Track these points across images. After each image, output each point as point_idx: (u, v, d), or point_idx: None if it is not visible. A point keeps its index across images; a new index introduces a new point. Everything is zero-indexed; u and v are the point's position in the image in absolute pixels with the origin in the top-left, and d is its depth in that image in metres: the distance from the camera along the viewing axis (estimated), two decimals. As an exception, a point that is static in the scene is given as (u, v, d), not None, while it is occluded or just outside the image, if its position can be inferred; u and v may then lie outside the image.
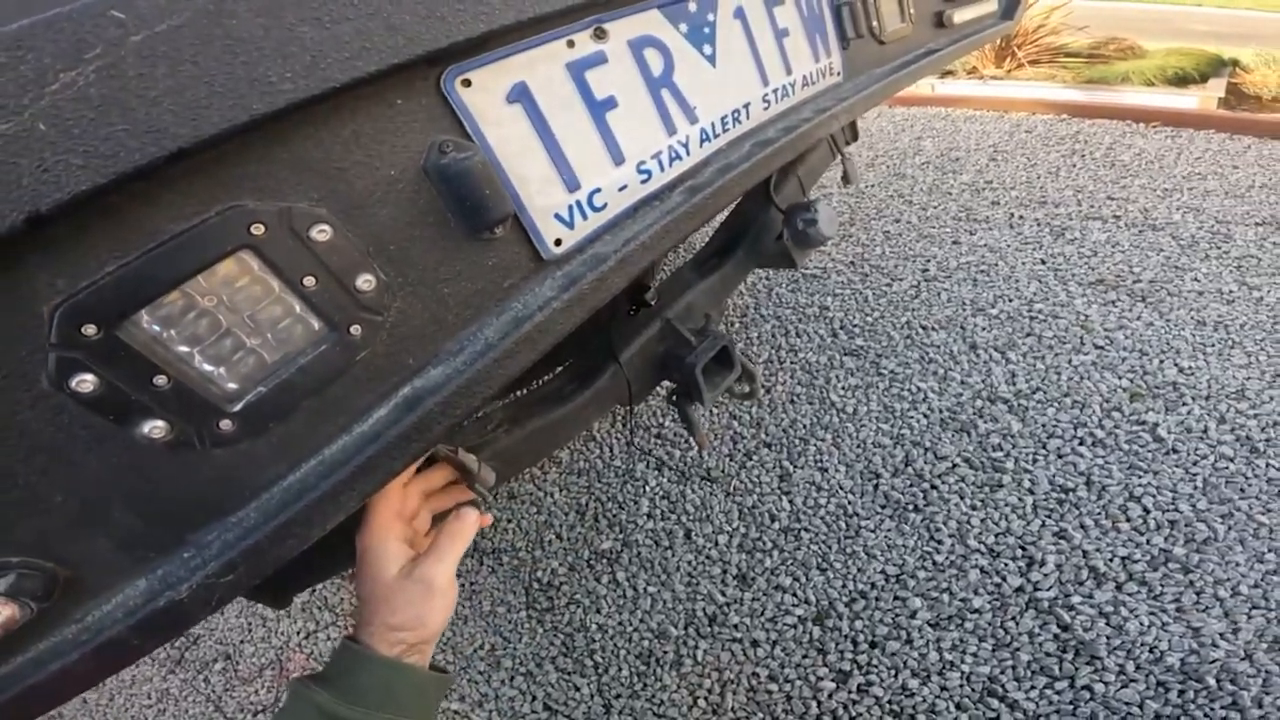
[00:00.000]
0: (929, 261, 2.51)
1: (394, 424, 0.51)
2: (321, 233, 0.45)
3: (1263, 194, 2.60)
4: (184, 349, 0.42)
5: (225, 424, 0.45)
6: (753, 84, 0.81)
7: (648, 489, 1.81)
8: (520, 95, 0.56)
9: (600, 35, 0.62)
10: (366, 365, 0.50)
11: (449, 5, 0.47)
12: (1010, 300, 2.22)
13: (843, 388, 1.99)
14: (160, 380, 0.41)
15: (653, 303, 1.15)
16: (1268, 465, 1.54)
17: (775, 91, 0.85)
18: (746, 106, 0.80)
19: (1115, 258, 2.34)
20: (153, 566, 0.44)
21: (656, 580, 1.59)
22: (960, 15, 1.33)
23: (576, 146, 0.60)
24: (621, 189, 0.65)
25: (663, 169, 0.69)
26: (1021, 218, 2.68)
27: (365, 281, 0.48)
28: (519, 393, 1.22)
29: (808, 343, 2.21)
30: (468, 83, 0.52)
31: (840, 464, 1.76)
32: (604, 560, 1.66)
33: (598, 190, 0.63)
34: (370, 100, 0.46)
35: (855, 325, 2.24)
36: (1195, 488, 1.53)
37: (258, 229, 0.42)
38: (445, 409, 0.53)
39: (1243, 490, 1.50)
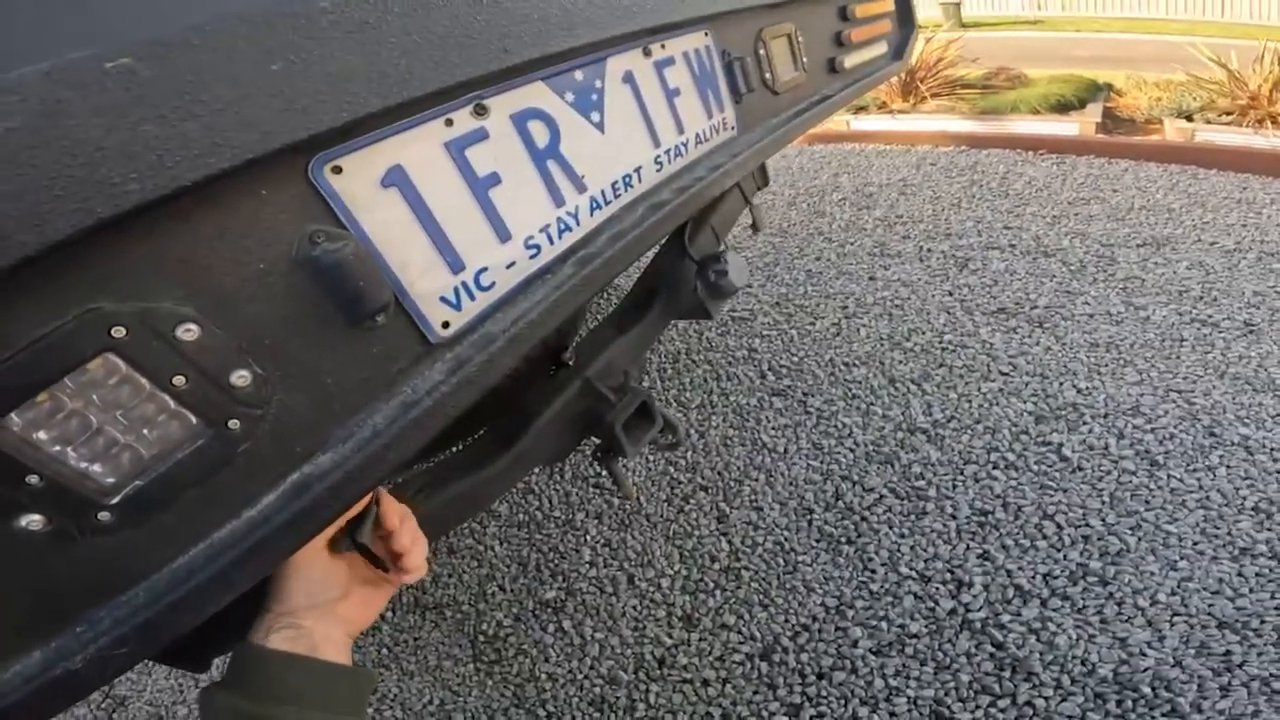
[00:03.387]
0: (848, 298, 2.59)
1: (283, 509, 0.51)
2: (188, 332, 0.44)
3: (1142, 215, 2.81)
4: (55, 449, 0.42)
5: (104, 515, 0.44)
6: (644, 147, 0.82)
7: (588, 537, 1.79)
8: (396, 179, 0.55)
9: (481, 112, 0.61)
10: (250, 456, 0.49)
11: (309, 96, 0.46)
12: (923, 333, 2.31)
13: (773, 428, 2.02)
14: (32, 479, 0.41)
15: (570, 362, 1.15)
16: (1168, 477, 1.61)
17: (668, 152, 0.85)
18: (638, 170, 0.80)
19: (1014, 286, 2.47)
20: (46, 641, 0.44)
21: (603, 626, 1.57)
22: (852, 60, 1.37)
23: (459, 227, 0.59)
24: (509, 266, 0.64)
25: (552, 242, 0.68)
26: (929, 250, 2.82)
27: (240, 378, 0.47)
28: (441, 455, 1.20)
29: (738, 385, 2.24)
30: (338, 169, 0.51)
31: (774, 502, 1.77)
32: (549, 610, 1.63)
33: (484, 270, 0.62)
34: (234, 193, 0.45)
35: (782, 365, 2.29)
36: (1103, 503, 1.59)
37: (118, 331, 0.41)
38: (335, 494, 0.52)
39: (1147, 502, 1.56)
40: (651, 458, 1.98)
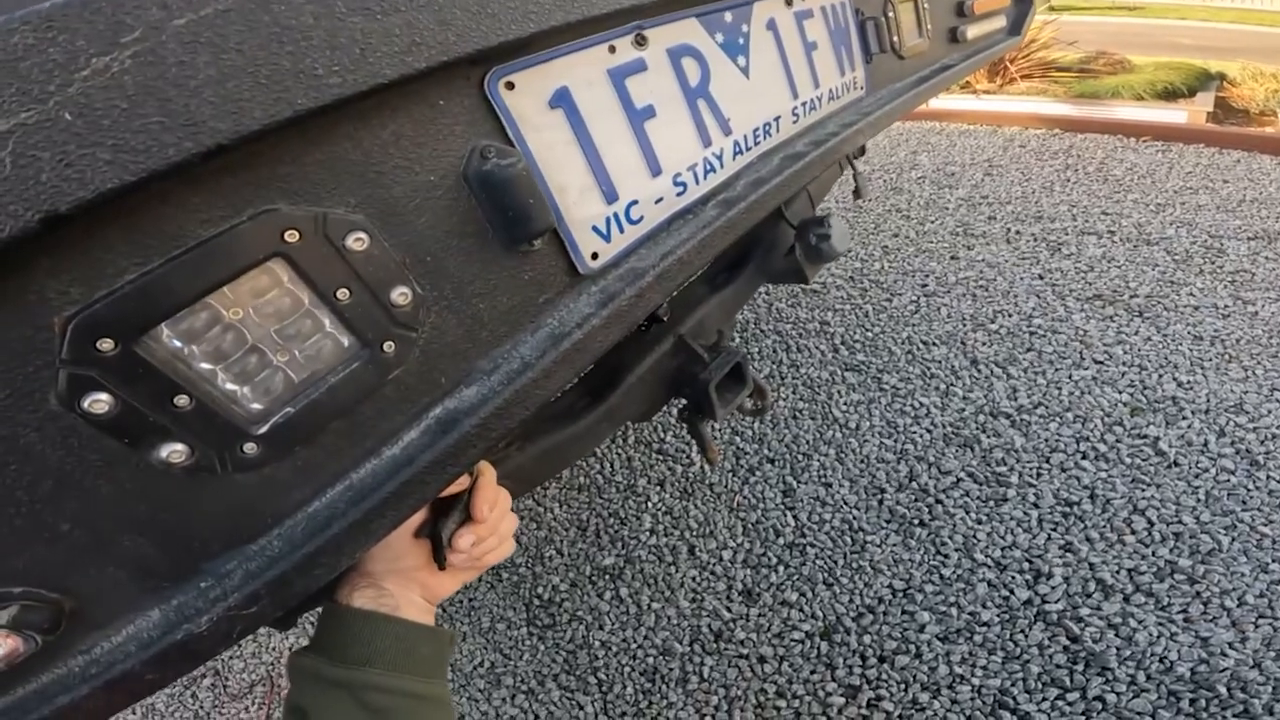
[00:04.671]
0: (928, 277, 2.51)
1: (427, 448, 0.48)
2: (358, 241, 0.42)
3: (1253, 208, 2.64)
4: (207, 366, 0.39)
5: (249, 447, 0.41)
6: (783, 97, 0.80)
7: (650, 505, 1.78)
8: (562, 100, 0.53)
9: (641, 42, 0.61)
10: (398, 385, 0.47)
11: (500, 2, 0.44)
12: (1009, 316, 2.22)
13: (845, 403, 1.98)
14: (181, 400, 0.38)
15: (665, 318, 1.13)
16: (1268, 478, 1.54)
17: (804, 105, 0.84)
18: (777, 119, 0.79)
19: (1111, 273, 2.35)
20: (167, 597, 0.41)
21: (660, 596, 1.56)
22: (973, 31, 1.34)
23: (615, 156, 0.58)
24: (658, 201, 0.63)
25: (698, 181, 0.67)
26: (1018, 233, 2.70)
27: (401, 295, 0.45)
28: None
29: (809, 358, 2.19)
30: (511, 85, 0.50)
31: (844, 479, 1.74)
32: (606, 576, 1.63)
33: (635, 202, 0.61)
34: (413, 99, 0.44)
35: (856, 340, 2.23)
36: (1198, 500, 1.53)
37: (291, 236, 0.39)
38: (481, 431, 0.49)
39: (1244, 502, 1.50)
40: (717, 426, 1.95)
